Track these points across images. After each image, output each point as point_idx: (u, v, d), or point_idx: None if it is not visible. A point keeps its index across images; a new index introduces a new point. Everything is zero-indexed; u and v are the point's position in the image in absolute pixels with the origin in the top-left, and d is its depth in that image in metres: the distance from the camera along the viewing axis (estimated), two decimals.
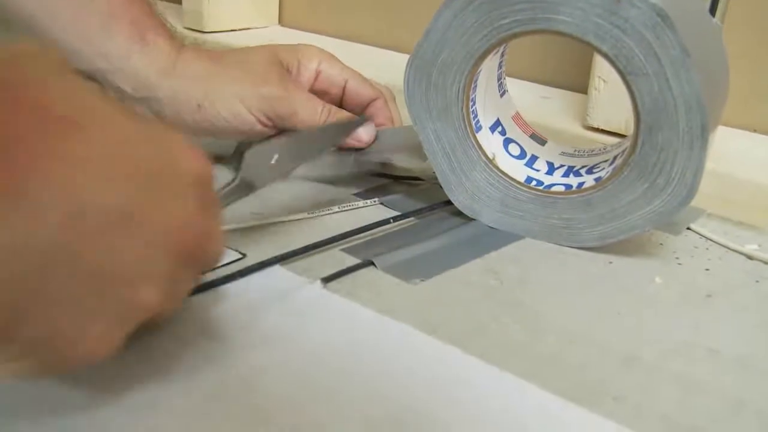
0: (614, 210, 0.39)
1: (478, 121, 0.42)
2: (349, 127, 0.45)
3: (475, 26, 0.38)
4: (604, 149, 0.44)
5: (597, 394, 0.28)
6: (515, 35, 0.38)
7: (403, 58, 0.41)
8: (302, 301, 0.33)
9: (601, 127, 0.52)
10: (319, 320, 0.32)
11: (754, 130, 0.54)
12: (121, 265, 0.23)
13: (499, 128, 0.43)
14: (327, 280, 0.35)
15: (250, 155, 0.36)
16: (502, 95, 0.44)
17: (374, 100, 0.49)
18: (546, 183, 0.41)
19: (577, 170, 0.42)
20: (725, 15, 0.52)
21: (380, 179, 0.49)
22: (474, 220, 0.43)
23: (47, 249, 0.21)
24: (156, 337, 0.29)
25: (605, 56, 0.36)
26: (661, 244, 0.42)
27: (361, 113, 0.48)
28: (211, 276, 0.33)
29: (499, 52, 0.41)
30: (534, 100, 0.59)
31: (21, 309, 0.22)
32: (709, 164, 0.47)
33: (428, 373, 0.29)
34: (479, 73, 0.40)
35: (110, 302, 0.24)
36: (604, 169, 0.41)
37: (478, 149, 0.41)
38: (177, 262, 0.25)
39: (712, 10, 0.48)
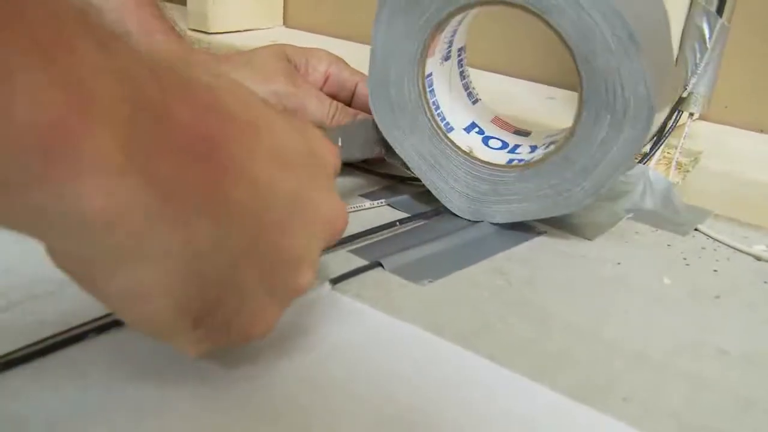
0: (593, 156, 0.39)
1: (447, 123, 0.42)
2: None
3: (405, 30, 0.40)
4: None
5: (606, 394, 0.29)
6: (438, 26, 0.39)
7: None
8: (311, 302, 0.33)
9: None
10: (328, 321, 0.32)
11: (761, 131, 0.54)
12: (292, 251, 0.25)
13: (476, 129, 0.44)
14: (335, 281, 0.35)
15: None
16: (474, 103, 0.45)
17: None
18: (527, 159, 0.42)
19: (554, 137, 0.43)
20: (732, 15, 0.52)
21: (387, 180, 0.49)
22: (481, 221, 0.43)
23: (242, 242, 0.23)
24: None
25: (518, 6, 0.37)
26: (669, 245, 0.42)
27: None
28: None
29: (445, 55, 0.42)
30: (539, 101, 0.59)
31: (215, 299, 0.23)
32: (716, 165, 0.48)
33: (437, 373, 0.29)
34: (430, 76, 0.41)
35: (282, 285, 0.26)
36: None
37: (454, 148, 0.42)
38: (324, 247, 0.28)
39: (720, 11, 0.48)
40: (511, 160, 0.42)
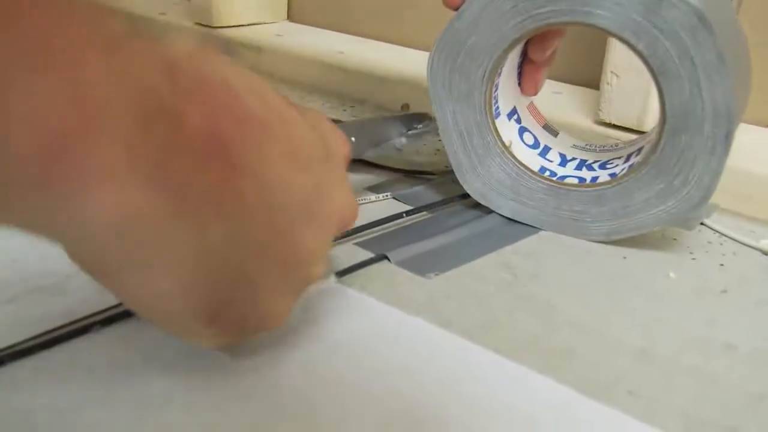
0: (627, 207, 0.39)
1: (498, 107, 0.42)
2: (413, 119, 0.47)
3: (511, 12, 0.38)
4: (616, 146, 0.44)
5: (612, 388, 0.28)
6: (550, 25, 0.37)
7: (412, 54, 0.41)
8: (316, 295, 0.33)
9: (614, 122, 0.52)
10: (333, 314, 0.32)
11: (767, 126, 0.54)
12: (306, 247, 0.25)
13: (515, 116, 0.43)
14: (341, 274, 0.35)
15: None
16: (519, 83, 0.44)
17: None
18: (559, 174, 0.41)
19: (590, 164, 0.42)
20: (739, 8, 0.51)
21: (392, 173, 0.49)
22: (487, 214, 0.43)
23: (256, 241, 0.23)
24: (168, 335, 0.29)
25: (639, 54, 0.36)
26: (675, 239, 0.42)
27: None
28: None
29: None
30: (545, 95, 0.59)
31: (229, 297, 0.24)
32: None
33: (442, 367, 0.29)
34: (506, 59, 0.40)
35: (295, 280, 0.26)
36: (618, 165, 0.41)
37: (495, 135, 0.41)
38: (335, 237, 0.28)
39: None
40: (543, 169, 0.42)
